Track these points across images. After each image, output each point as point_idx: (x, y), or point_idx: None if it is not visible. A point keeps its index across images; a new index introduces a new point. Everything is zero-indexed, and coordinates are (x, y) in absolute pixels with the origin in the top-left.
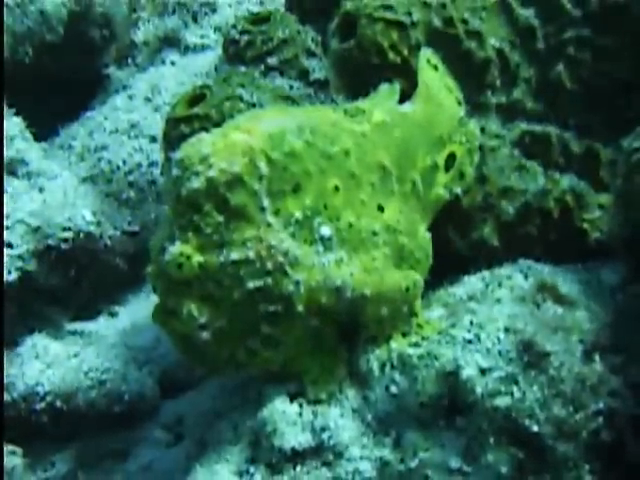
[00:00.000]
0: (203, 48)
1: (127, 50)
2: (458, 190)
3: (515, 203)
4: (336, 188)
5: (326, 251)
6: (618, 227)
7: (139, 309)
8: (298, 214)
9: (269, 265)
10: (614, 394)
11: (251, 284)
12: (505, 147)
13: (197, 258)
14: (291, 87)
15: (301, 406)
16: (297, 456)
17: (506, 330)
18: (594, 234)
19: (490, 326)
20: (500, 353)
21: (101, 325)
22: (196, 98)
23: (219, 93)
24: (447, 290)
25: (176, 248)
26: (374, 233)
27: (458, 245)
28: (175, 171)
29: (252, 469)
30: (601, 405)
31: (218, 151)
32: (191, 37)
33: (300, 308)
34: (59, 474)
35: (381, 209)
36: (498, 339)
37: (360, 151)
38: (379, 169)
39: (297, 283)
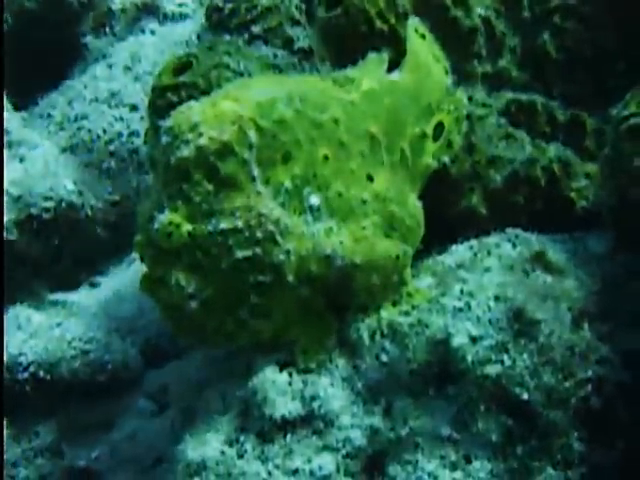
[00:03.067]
0: (182, 17)
1: (104, 18)
2: (446, 159)
3: (503, 172)
4: (325, 157)
5: (315, 220)
6: (606, 195)
7: (120, 279)
8: (288, 183)
9: (259, 234)
10: (602, 361)
11: (240, 253)
12: (492, 116)
13: (186, 227)
14: (275, 56)
15: (291, 375)
16: (287, 425)
17: (496, 298)
18: (580, 203)
19: (480, 294)
20: (490, 321)
21: (82, 295)
22: (182, 66)
23: (205, 61)
24: (435, 259)
25: (165, 217)
26: (363, 202)
27: (445, 214)
28: (164, 139)
29: (242, 438)
30: (590, 372)
31: (208, 119)
32: (169, 5)
33: (290, 277)
34: (44, 444)
35: (370, 178)
36: (488, 307)
37: (349, 120)
38: (368, 138)
39: (287, 252)
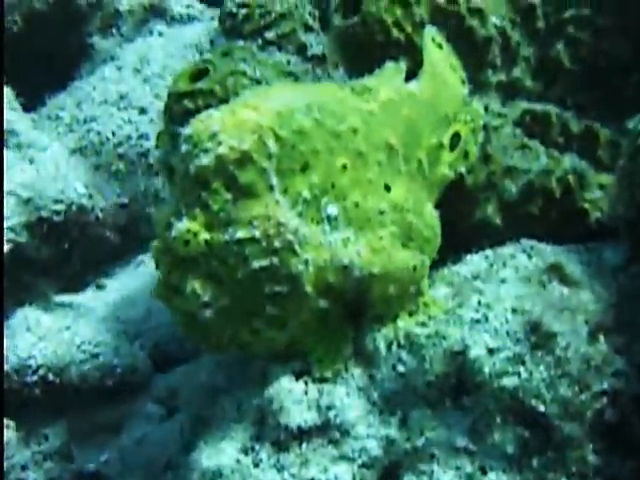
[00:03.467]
0: (189, 18)
1: (111, 19)
2: (462, 169)
3: (518, 182)
4: (344, 167)
5: (333, 230)
6: (622, 208)
7: (128, 282)
8: (306, 193)
9: (277, 243)
10: (618, 374)
11: (256, 263)
12: (508, 126)
13: (203, 235)
14: (289, 62)
15: (307, 384)
16: (303, 434)
17: (514, 311)
18: (595, 214)
19: (498, 306)
20: (508, 333)
21: (89, 298)
22: (198, 73)
23: (222, 68)
24: (451, 269)
25: (183, 225)
26: (381, 212)
27: (461, 224)
28: (184, 147)
29: (258, 447)
30: (605, 385)
31: (227, 128)
32: (177, 7)
33: (308, 288)
34: (52, 448)
35: (388, 188)
36: (506, 319)
37: (367, 129)
38: (386, 148)
39: (306, 262)
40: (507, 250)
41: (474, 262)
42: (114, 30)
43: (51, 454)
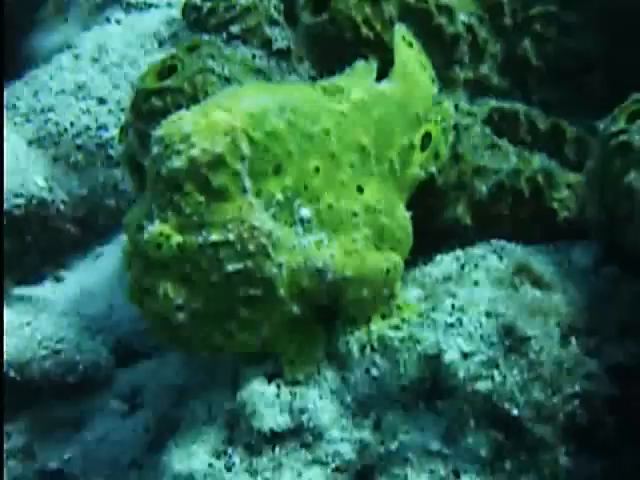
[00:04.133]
0: (146, 5)
1: (65, 3)
2: (433, 169)
3: (488, 182)
4: (316, 169)
5: (306, 232)
6: (592, 210)
7: (86, 274)
8: (279, 195)
9: (251, 247)
10: (589, 376)
11: (230, 267)
12: (477, 125)
13: (176, 238)
14: (254, 56)
15: (279, 387)
16: (276, 437)
17: (487, 314)
18: (563, 213)
19: (472, 310)
20: (482, 337)
21: (48, 291)
22: (166, 69)
23: (190, 65)
24: (422, 270)
25: (155, 228)
26: (354, 214)
27: (431, 224)
28: (155, 149)
29: (230, 450)
30: (577, 388)
31: (200, 130)
32: None
33: (282, 291)
34: (16, 446)
35: (360, 190)
36: (480, 323)
37: (340, 131)
38: (358, 149)
39: (279, 265)
40: (477, 251)
41: (445, 263)
42: (68, 15)
43: (14, 453)
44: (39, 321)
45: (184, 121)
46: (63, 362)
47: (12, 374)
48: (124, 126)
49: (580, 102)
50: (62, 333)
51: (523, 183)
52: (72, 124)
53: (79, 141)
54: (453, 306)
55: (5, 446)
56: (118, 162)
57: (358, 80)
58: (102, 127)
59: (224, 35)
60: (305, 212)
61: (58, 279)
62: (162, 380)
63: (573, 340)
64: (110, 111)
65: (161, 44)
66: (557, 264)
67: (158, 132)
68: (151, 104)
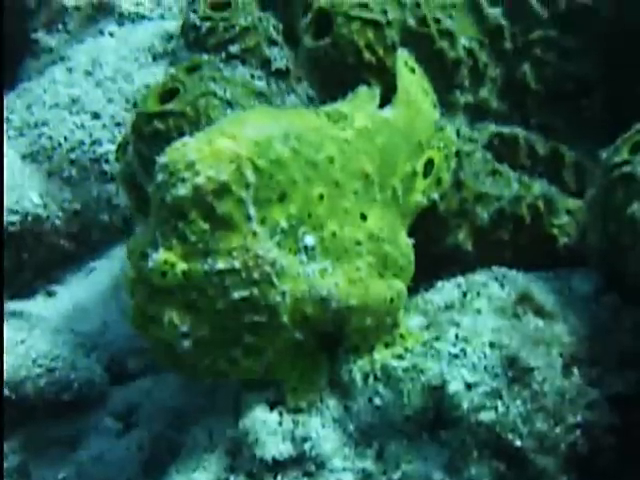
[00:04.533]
0: (138, 16)
1: (57, 15)
2: (435, 196)
3: (490, 209)
4: (320, 197)
5: (310, 261)
6: (594, 238)
7: (79, 289)
8: (283, 223)
9: (256, 275)
10: (591, 406)
11: (236, 294)
12: (478, 151)
13: (181, 266)
14: (252, 76)
15: (281, 415)
16: (278, 466)
17: (491, 345)
18: (563, 239)
19: (475, 340)
20: (486, 368)
21: (40, 306)
22: (167, 92)
23: (193, 89)
24: (423, 297)
25: (160, 256)
26: (357, 242)
27: (431, 250)
28: (159, 176)
29: (232, 478)
30: (579, 418)
31: (204, 158)
32: (125, 4)
33: (285, 319)
34: (11, 466)
35: (364, 217)
36: (484, 354)
37: (344, 158)
38: (362, 177)
39: (283, 294)
40: (479, 278)
41: (446, 290)
42: (60, 26)
43: (10, 472)
44: (33, 338)
45: (188, 148)
46: (57, 380)
47: (7, 393)
48: (121, 144)
49: (579, 125)
50: (57, 351)
51: (524, 209)
52: (66, 139)
53: (73, 156)
54: (457, 336)
55: None
56: (112, 177)
57: (361, 106)
58: (96, 142)
59: (223, 55)
60: (309, 240)
61: (50, 294)
62: (158, 400)
63: (575, 370)
64: (104, 126)
65: (155, 58)
66: (558, 292)
67: (162, 159)
68: (153, 127)
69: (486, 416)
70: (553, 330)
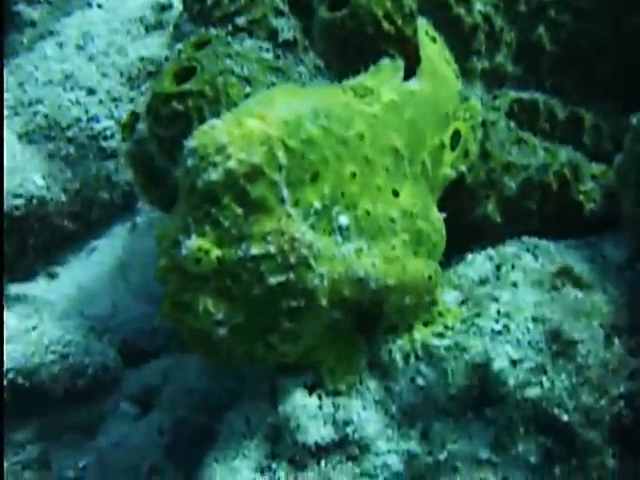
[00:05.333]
0: None
1: None
2: (463, 168)
3: (517, 179)
4: (353, 175)
5: (345, 241)
6: (627, 205)
7: (82, 270)
8: (317, 204)
9: (292, 259)
10: (633, 376)
11: (272, 279)
12: (502, 120)
13: (215, 252)
14: (260, 48)
15: (320, 398)
16: (321, 451)
17: (534, 320)
18: (589, 205)
19: (518, 315)
20: (530, 343)
21: (43, 288)
22: (183, 70)
23: (209, 66)
24: (456, 272)
25: (194, 243)
26: (392, 220)
27: (460, 222)
28: (189, 161)
29: (274, 465)
30: (622, 389)
31: (235, 140)
32: None
33: (324, 302)
34: (30, 457)
35: (396, 194)
36: (527, 329)
37: (373, 134)
38: (392, 152)
39: (321, 276)
40: (510, 249)
41: (478, 263)
42: None
43: (30, 463)
44: (45, 325)
45: (218, 131)
46: (72, 366)
47: (21, 381)
48: (127, 123)
49: (592, 87)
50: (69, 336)
51: (551, 177)
52: (62, 116)
53: (70, 134)
54: (498, 312)
55: (19, 457)
56: (111, 154)
57: (386, 79)
58: (93, 118)
59: (229, 27)
60: (343, 220)
61: (51, 275)
62: (180, 382)
63: (616, 340)
64: (100, 102)
65: (148, 30)
66: (591, 261)
67: (191, 143)
68: (171, 108)
69: (532, 392)
70: (592, 300)
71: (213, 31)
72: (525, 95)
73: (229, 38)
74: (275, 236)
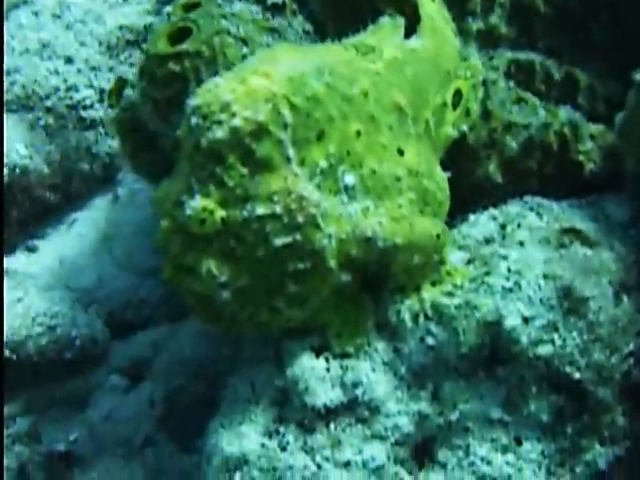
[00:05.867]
0: None
1: None
2: (465, 127)
3: (519, 138)
4: (358, 133)
5: (351, 200)
6: (632, 164)
7: (63, 243)
8: (323, 163)
9: (300, 219)
10: None
11: (278, 241)
12: (501, 79)
13: (220, 213)
14: (250, 11)
15: (328, 361)
16: (330, 413)
17: (545, 277)
18: (589, 165)
19: (529, 273)
20: (541, 301)
21: (23, 262)
22: (177, 31)
23: (205, 27)
24: (460, 231)
25: (198, 203)
26: (397, 178)
27: (462, 182)
28: (193, 119)
29: (282, 429)
30: (631, 346)
31: (240, 98)
32: None
33: (332, 263)
34: (21, 430)
35: (401, 152)
36: (539, 286)
37: (377, 91)
38: (396, 110)
39: (330, 236)
40: (513, 209)
41: (482, 223)
42: None
43: (20, 436)
44: (30, 297)
45: (221, 89)
46: (59, 338)
47: (8, 354)
48: (113, 89)
49: (585, 49)
50: (55, 308)
51: (552, 137)
52: (40, 86)
53: (49, 103)
54: (509, 269)
55: (9, 430)
56: (91, 124)
57: (387, 38)
58: (72, 88)
59: None
60: (349, 179)
61: (31, 249)
62: (173, 353)
63: (625, 297)
64: (79, 70)
65: None
66: (595, 220)
67: (194, 101)
68: (168, 69)
69: (544, 350)
70: (601, 258)
71: None
72: (521, 55)
73: (219, 1)
74: (282, 196)
